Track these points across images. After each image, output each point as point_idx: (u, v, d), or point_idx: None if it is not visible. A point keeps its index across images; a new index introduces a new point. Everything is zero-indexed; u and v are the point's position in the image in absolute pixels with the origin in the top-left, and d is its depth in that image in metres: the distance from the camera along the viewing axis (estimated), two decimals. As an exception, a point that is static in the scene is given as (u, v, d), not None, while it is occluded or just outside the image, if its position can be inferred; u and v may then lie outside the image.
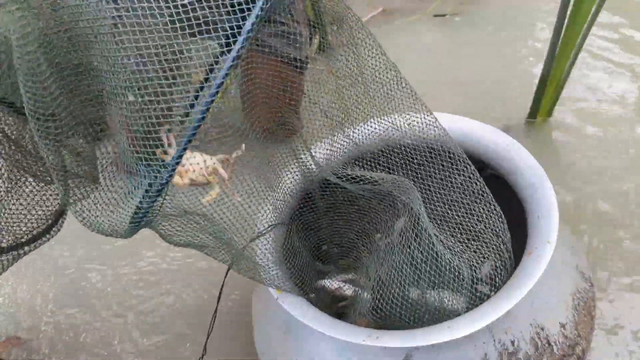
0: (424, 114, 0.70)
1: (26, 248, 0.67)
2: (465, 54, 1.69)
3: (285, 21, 1.17)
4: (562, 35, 1.14)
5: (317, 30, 1.77)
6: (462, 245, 0.69)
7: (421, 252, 0.67)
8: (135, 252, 1.21)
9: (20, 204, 0.65)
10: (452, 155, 0.69)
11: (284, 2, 1.14)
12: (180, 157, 0.47)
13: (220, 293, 0.79)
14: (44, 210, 0.67)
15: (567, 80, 1.25)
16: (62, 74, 0.50)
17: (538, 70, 1.51)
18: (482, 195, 0.68)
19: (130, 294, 1.13)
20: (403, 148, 0.72)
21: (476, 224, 0.69)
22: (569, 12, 1.09)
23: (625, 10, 1.68)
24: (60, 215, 0.69)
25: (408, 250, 0.68)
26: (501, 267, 0.68)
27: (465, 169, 0.69)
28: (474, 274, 0.68)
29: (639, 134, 1.25)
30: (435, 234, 0.67)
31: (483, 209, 0.68)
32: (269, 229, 0.73)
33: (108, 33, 0.47)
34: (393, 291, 0.69)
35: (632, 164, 1.18)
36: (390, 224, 0.75)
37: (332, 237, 0.87)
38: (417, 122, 0.71)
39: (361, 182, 0.74)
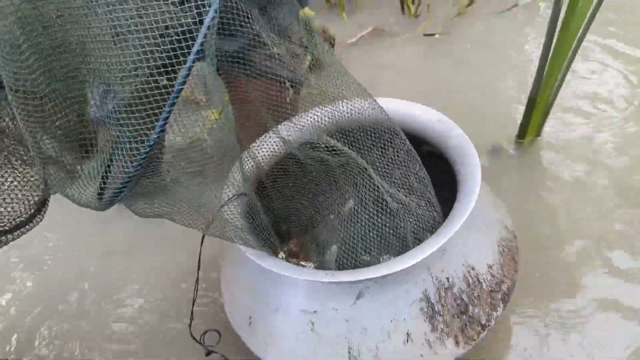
0: (368, 100, 0.82)
1: (9, 236, 0.65)
2: (450, 73, 1.72)
3: (282, 44, 1.18)
4: (550, 54, 1.16)
5: (307, 50, 1.80)
6: (405, 198, 0.81)
7: (376, 212, 0.79)
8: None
9: (3, 190, 0.63)
10: (388, 131, 0.81)
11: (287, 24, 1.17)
12: (155, 142, 0.48)
13: (199, 261, 0.82)
14: (27, 198, 0.65)
15: (555, 99, 1.27)
16: (42, 52, 0.50)
17: (523, 89, 1.54)
18: (411, 154, 0.81)
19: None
20: (351, 130, 0.83)
21: (411, 179, 0.81)
22: (557, 31, 1.12)
23: (617, 26, 1.73)
24: (43, 204, 0.67)
25: (365, 215, 0.80)
26: (430, 214, 0.81)
27: (398, 137, 0.81)
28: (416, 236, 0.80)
29: (627, 150, 1.28)
30: (387, 190, 0.79)
31: (413, 166, 0.81)
32: (234, 197, 0.81)
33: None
34: (350, 258, 0.80)
35: (615, 183, 1.20)
36: (343, 200, 0.86)
37: (289, 217, 0.92)
38: (363, 107, 0.83)
39: (322, 150, 0.84)
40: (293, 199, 0.90)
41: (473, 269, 0.77)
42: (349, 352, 0.73)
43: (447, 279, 0.75)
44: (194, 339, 0.86)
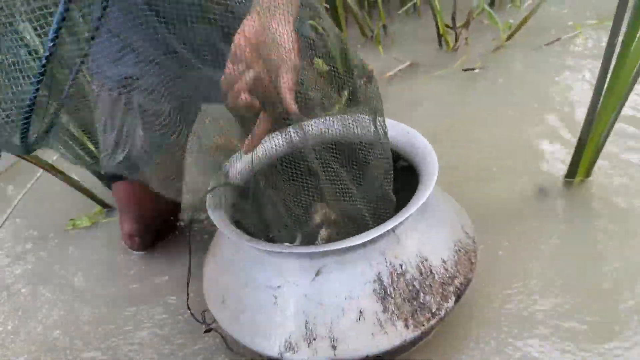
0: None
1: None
2: (489, 109, 1.67)
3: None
4: (602, 95, 1.11)
5: (346, 85, 1.79)
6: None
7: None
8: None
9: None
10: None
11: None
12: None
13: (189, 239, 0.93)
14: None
15: (607, 138, 1.21)
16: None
17: (567, 127, 1.48)
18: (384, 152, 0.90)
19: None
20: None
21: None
22: (610, 73, 1.07)
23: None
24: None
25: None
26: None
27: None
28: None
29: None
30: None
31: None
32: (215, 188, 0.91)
33: None
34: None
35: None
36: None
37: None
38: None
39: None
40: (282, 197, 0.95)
41: (426, 260, 0.84)
42: (305, 326, 0.80)
43: (401, 265, 0.82)
44: (192, 315, 0.94)
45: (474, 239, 0.95)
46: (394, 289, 0.81)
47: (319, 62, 1.62)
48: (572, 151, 1.26)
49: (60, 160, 1.44)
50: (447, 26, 2.07)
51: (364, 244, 0.79)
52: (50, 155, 1.45)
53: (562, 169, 1.32)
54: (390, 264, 0.82)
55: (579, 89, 1.68)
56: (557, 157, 1.38)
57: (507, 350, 0.92)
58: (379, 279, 0.81)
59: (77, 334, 1.12)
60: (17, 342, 1.12)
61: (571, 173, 1.28)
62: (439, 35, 2.10)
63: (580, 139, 1.21)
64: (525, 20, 2.00)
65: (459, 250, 0.90)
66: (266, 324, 0.83)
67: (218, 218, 0.86)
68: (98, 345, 1.08)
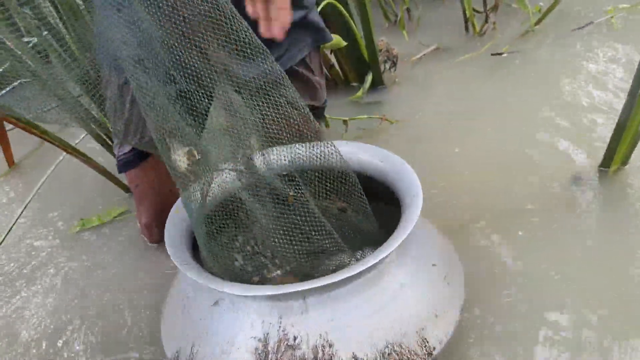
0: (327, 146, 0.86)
1: None
2: (518, 94, 1.62)
3: (302, 72, 1.16)
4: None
5: (370, 69, 1.76)
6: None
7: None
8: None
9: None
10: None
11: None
12: None
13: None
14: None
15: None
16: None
17: (602, 113, 1.43)
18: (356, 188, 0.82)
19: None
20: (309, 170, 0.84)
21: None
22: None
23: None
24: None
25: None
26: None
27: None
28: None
29: None
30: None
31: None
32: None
33: None
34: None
35: None
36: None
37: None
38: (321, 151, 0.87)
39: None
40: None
41: (330, 346, 0.69)
42: (191, 348, 0.75)
43: (295, 337, 0.69)
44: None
45: (430, 349, 0.72)
46: (276, 358, 0.69)
47: (337, 39, 1.59)
48: (606, 138, 1.21)
49: (82, 143, 1.43)
50: (475, 10, 2.01)
51: (265, 297, 0.69)
52: (73, 138, 1.44)
53: (596, 157, 1.27)
54: (283, 330, 0.70)
55: (612, 74, 1.62)
56: (590, 143, 1.33)
57: None
58: (265, 340, 0.70)
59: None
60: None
61: (606, 162, 1.23)
62: (465, 20, 2.04)
63: (618, 124, 1.17)
64: (555, 4, 1.93)
65: (388, 354, 0.69)
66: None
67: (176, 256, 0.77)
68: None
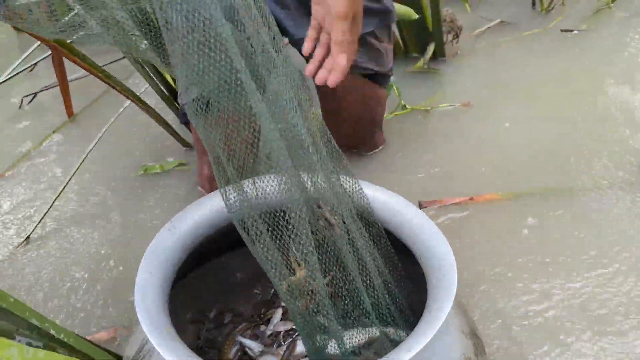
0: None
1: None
2: (588, 75, 1.54)
3: (369, 39, 1.12)
4: None
5: (432, 38, 1.70)
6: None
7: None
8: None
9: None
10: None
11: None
12: None
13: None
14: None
15: None
16: None
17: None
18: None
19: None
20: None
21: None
22: None
23: None
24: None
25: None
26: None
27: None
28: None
29: None
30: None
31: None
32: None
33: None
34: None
35: None
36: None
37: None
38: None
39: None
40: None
41: None
42: None
43: None
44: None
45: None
46: None
47: (408, 11, 1.54)
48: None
49: (146, 93, 1.43)
50: (544, -15, 1.92)
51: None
52: (136, 88, 1.44)
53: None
54: None
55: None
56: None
57: None
58: None
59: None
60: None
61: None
62: (533, -6, 1.96)
63: None
64: (632, -19, 1.83)
65: None
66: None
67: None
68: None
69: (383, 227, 0.70)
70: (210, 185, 1.21)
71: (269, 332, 0.79)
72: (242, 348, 0.78)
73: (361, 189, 0.70)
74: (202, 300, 0.83)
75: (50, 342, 0.66)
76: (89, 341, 0.71)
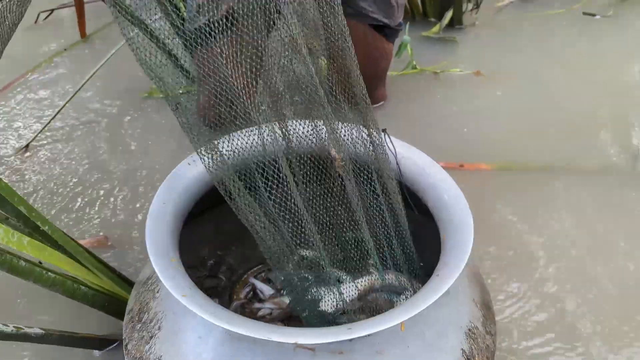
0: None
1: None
2: (611, 61, 1.52)
3: None
4: None
5: (452, 5, 1.68)
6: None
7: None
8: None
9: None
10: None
11: None
12: None
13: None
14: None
15: None
16: None
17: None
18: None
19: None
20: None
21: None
22: None
23: None
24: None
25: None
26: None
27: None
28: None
29: None
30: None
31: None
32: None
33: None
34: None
35: None
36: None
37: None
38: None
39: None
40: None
41: None
42: None
43: None
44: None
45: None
46: None
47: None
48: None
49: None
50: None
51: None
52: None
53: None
54: None
55: None
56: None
57: None
58: None
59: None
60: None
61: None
62: (562, -27, 1.91)
63: None
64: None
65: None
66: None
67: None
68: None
69: (404, 183, 0.70)
70: (203, 115, 1.23)
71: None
72: (254, 289, 0.79)
73: (383, 141, 0.67)
74: (217, 242, 0.85)
75: (34, 232, 0.69)
76: (72, 239, 0.74)
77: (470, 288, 0.67)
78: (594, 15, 1.73)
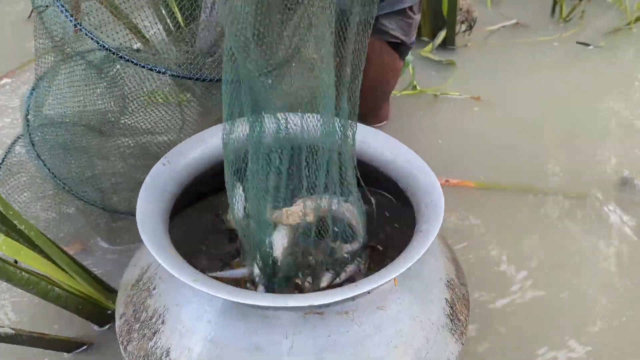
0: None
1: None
2: (595, 90, 1.55)
3: (407, 11, 1.13)
4: None
5: (445, 26, 1.70)
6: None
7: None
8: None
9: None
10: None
11: None
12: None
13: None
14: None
15: None
16: None
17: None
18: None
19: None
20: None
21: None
22: None
23: None
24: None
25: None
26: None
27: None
28: None
29: None
30: None
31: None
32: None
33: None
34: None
35: None
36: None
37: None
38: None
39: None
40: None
41: None
42: None
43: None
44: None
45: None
46: None
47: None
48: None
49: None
50: (568, -7, 1.91)
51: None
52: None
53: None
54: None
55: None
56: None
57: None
58: None
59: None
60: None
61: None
62: (554, 1, 1.95)
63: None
64: (656, 6, 1.83)
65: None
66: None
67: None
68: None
69: (372, 165, 0.76)
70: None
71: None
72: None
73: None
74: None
75: (11, 231, 0.69)
76: (49, 239, 0.73)
77: (441, 246, 0.76)
78: (588, 45, 1.76)
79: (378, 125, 1.34)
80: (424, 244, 0.60)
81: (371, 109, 1.31)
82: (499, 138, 1.33)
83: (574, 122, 1.40)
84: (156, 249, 0.58)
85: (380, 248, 0.75)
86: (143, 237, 0.59)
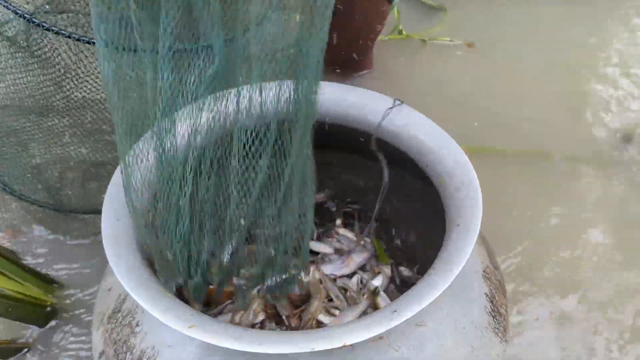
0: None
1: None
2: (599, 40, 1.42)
3: None
4: None
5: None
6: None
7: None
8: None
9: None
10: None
11: None
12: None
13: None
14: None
15: None
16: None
17: None
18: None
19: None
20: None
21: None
22: None
23: None
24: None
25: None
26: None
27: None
28: None
29: None
30: None
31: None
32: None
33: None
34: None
35: None
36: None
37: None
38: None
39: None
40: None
41: None
42: None
43: None
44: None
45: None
46: None
47: None
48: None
49: None
50: None
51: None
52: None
53: None
54: None
55: None
56: None
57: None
58: None
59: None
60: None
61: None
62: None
63: None
64: None
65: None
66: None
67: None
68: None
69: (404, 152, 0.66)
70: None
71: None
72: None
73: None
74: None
75: None
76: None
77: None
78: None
79: (361, 73, 1.25)
80: (468, 242, 0.50)
81: (355, 56, 1.21)
82: (493, 90, 1.22)
83: (574, 69, 1.29)
84: (143, 293, 0.46)
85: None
86: (118, 275, 0.47)
